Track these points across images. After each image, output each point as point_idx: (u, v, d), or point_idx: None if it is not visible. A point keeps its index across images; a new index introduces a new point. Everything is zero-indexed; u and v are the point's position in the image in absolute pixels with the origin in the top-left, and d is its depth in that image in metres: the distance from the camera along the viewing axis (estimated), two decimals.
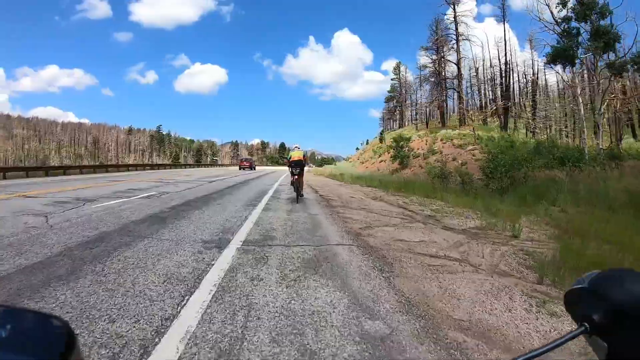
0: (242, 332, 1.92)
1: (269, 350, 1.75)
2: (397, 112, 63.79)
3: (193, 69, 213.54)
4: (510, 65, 42.07)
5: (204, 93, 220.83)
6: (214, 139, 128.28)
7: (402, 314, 2.27)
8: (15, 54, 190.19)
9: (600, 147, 21.05)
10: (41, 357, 0.28)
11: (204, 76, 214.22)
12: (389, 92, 65.03)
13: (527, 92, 44.89)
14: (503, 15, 40.13)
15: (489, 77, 46.35)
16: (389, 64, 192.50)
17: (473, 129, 31.31)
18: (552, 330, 2.16)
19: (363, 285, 2.80)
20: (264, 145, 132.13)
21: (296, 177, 7.98)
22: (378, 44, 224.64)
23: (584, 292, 0.44)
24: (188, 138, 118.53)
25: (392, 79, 63.10)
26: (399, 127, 58.15)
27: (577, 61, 21.25)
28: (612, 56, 20.97)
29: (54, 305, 2.16)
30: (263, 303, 2.32)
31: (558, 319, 2.29)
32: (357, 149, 78.11)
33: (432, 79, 46.32)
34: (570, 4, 20.64)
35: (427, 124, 50.12)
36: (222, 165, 74.53)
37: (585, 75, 26.32)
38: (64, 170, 20.57)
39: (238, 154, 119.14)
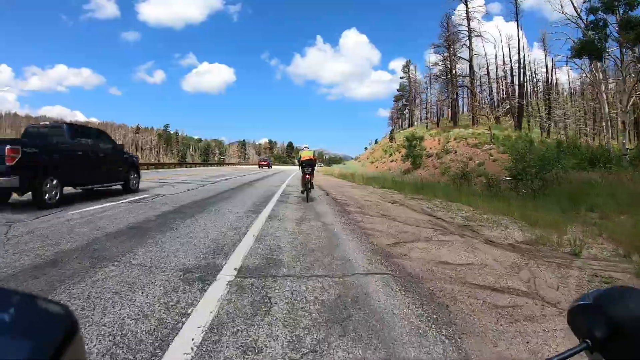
0: None
1: None
2: (407, 110, 62.37)
3: (201, 68, 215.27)
4: (523, 63, 40.48)
5: (212, 92, 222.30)
6: (221, 138, 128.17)
7: None
8: (24, 54, 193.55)
9: (627, 147, 19.74)
10: (39, 344, 0.25)
11: (211, 75, 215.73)
12: (398, 90, 63.74)
13: (538, 91, 43.38)
14: (516, 11, 38.63)
15: (501, 74, 44.74)
16: (397, 63, 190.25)
17: (489, 127, 29.90)
18: None
19: (422, 357, 1.75)
20: (271, 144, 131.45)
21: (307, 175, 8.48)
22: (386, 43, 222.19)
23: (588, 309, 0.42)
24: (196, 137, 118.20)
25: (401, 78, 61.80)
26: (409, 126, 56.73)
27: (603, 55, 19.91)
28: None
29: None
30: None
31: None
32: (366, 148, 77.18)
33: (443, 77, 45.05)
34: None
35: (438, 122, 48.87)
36: (229, 164, 73.60)
37: (609, 72, 24.88)
38: None
39: (245, 154, 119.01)
